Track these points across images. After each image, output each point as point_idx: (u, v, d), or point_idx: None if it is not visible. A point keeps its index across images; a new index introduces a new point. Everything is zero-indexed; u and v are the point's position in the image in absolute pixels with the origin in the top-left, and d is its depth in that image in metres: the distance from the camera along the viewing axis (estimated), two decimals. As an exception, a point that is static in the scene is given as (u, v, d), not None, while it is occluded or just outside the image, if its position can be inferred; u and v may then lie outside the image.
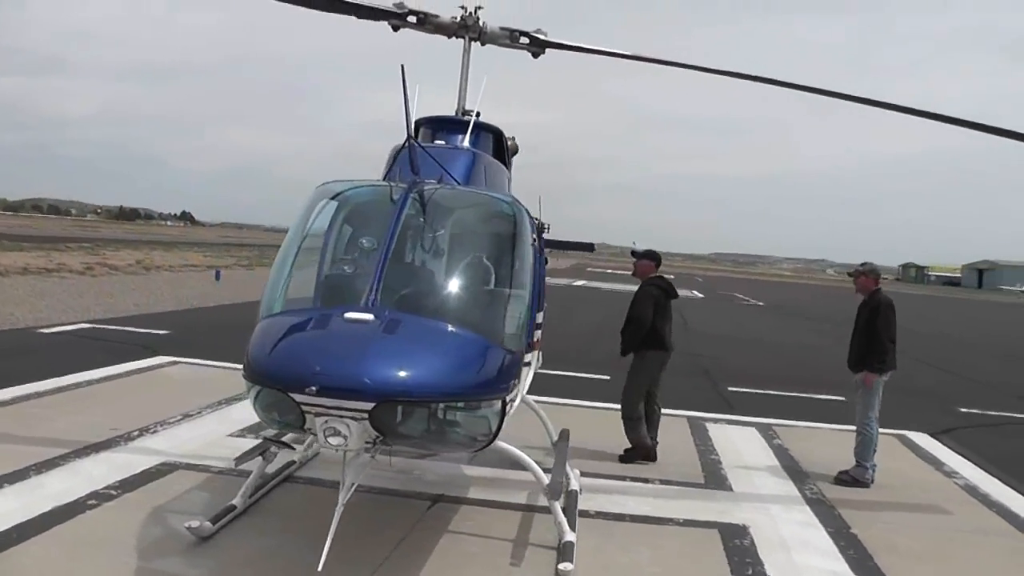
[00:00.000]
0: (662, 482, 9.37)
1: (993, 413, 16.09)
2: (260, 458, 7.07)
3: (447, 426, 5.51)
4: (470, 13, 8.13)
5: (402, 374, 5.12)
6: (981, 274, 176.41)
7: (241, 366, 5.56)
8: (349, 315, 5.39)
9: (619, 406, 10.28)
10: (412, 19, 8.08)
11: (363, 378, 5.04)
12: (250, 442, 9.52)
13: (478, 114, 8.27)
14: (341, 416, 5.10)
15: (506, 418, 5.82)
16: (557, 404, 12.16)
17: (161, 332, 18.02)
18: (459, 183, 6.84)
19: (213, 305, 25.33)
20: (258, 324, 5.78)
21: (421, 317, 5.63)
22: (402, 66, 5.93)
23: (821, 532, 8.03)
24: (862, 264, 10.45)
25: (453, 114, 8.26)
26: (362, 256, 6.12)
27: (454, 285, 6.09)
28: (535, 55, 8.35)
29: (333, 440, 5.17)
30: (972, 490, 10.11)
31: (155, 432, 9.66)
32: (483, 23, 8.15)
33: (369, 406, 5.07)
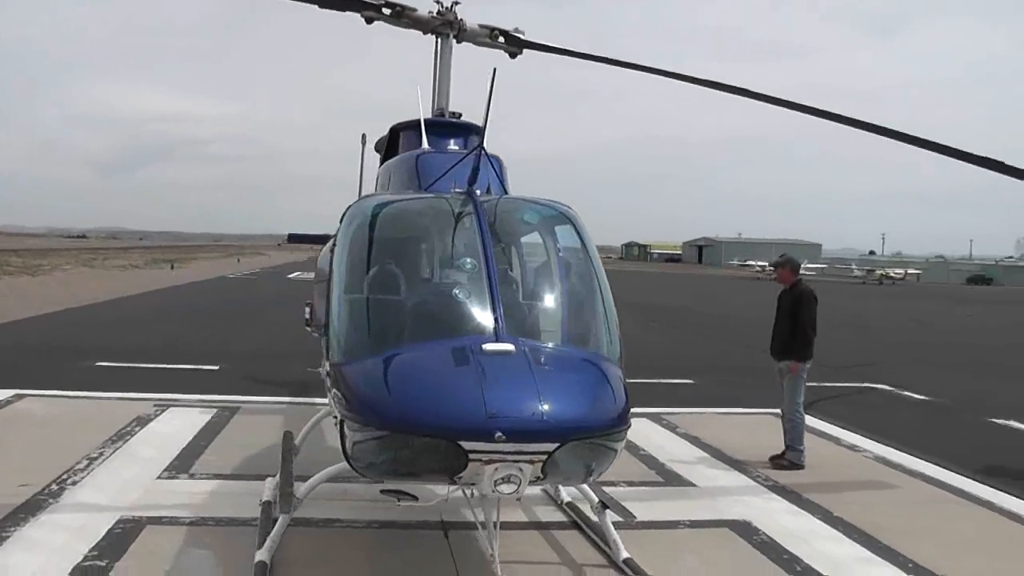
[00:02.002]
0: (626, 484, 9.31)
1: (827, 384, 17.37)
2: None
3: (598, 458, 5.15)
4: (448, 8, 7.65)
5: (579, 410, 4.85)
6: (701, 250, 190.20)
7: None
8: (488, 347, 4.90)
9: None
10: (387, 11, 7.50)
11: (548, 419, 4.66)
12: (184, 483, 8.66)
13: (460, 115, 7.81)
14: (516, 461, 4.65)
15: None
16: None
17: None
18: (505, 192, 6.42)
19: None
20: (364, 362, 5.09)
21: (557, 345, 5.24)
22: (494, 68, 5.44)
23: (813, 519, 8.32)
24: (781, 256, 10.96)
25: (435, 115, 7.75)
26: (457, 277, 5.56)
27: (565, 305, 5.70)
28: (512, 55, 8.00)
29: (505, 488, 4.75)
30: (886, 461, 10.91)
31: (75, 483, 8.37)
32: (462, 19, 7.69)
33: (552, 447, 4.67)
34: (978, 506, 9.11)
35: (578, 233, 6.05)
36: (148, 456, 9.55)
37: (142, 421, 11.23)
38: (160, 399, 12.67)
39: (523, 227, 6.15)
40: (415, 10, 7.56)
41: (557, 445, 4.73)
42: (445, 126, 7.47)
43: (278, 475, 8.03)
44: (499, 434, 4.52)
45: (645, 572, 6.47)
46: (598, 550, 7.16)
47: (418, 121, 7.65)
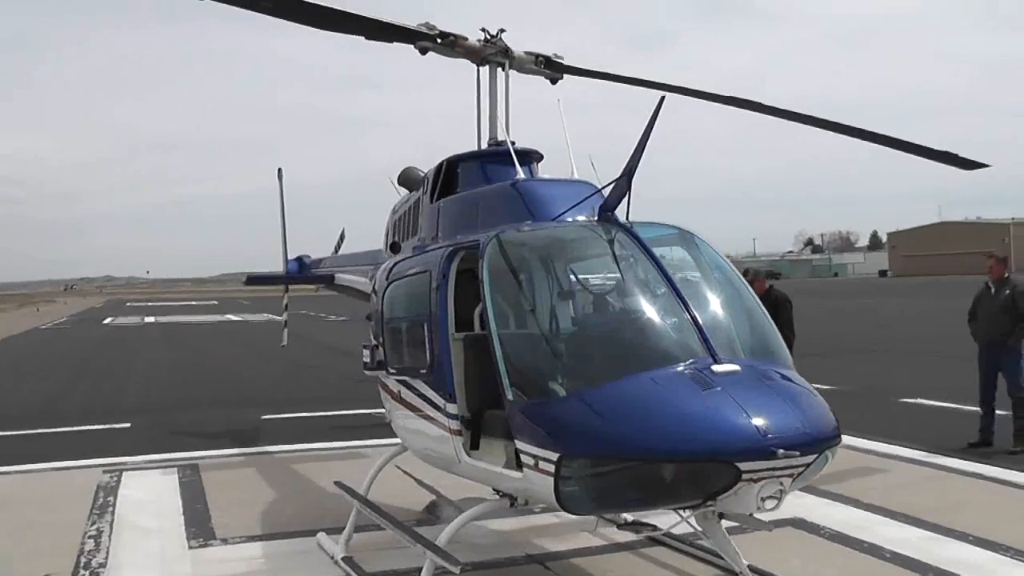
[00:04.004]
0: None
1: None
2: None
3: (822, 466, 5.28)
4: (495, 36, 7.55)
5: (824, 421, 5.05)
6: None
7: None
8: (718, 368, 4.94)
9: None
10: (439, 41, 7.37)
11: (810, 432, 4.82)
12: (224, 550, 8.10)
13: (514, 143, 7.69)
14: (779, 476, 4.74)
15: None
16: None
17: None
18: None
19: None
20: (591, 395, 4.99)
21: (762, 361, 5.32)
22: (662, 97, 5.44)
23: (852, 509, 8.73)
24: (746, 271, 11.46)
25: (485, 145, 7.64)
26: (648, 303, 5.51)
27: (747, 321, 5.74)
28: (553, 81, 7.99)
29: (769, 504, 4.81)
30: (855, 448, 11.51)
31: (104, 565, 7.55)
32: (510, 47, 7.62)
33: (811, 459, 4.82)
34: (971, 478, 9.95)
35: (714, 252, 6.16)
36: (154, 526, 8.82)
37: (107, 490, 10.32)
38: (106, 464, 11.69)
39: (673, 250, 6.11)
40: (466, 39, 7.43)
41: (815, 456, 4.86)
42: (521, 155, 7.30)
43: (346, 529, 7.64)
44: (781, 451, 4.58)
45: (771, 573, 6.63)
46: (700, 561, 7.23)
47: (479, 152, 7.50)
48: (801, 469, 4.86)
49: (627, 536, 7.96)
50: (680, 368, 5.02)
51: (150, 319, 60.45)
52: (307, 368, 23.63)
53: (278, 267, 14.35)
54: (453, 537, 6.10)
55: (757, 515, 5.08)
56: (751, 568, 6.81)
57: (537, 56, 7.78)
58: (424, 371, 6.50)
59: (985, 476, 10.05)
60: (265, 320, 55.65)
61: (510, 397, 5.39)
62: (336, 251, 14.16)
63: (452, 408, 6.16)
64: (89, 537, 8.41)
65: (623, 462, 4.81)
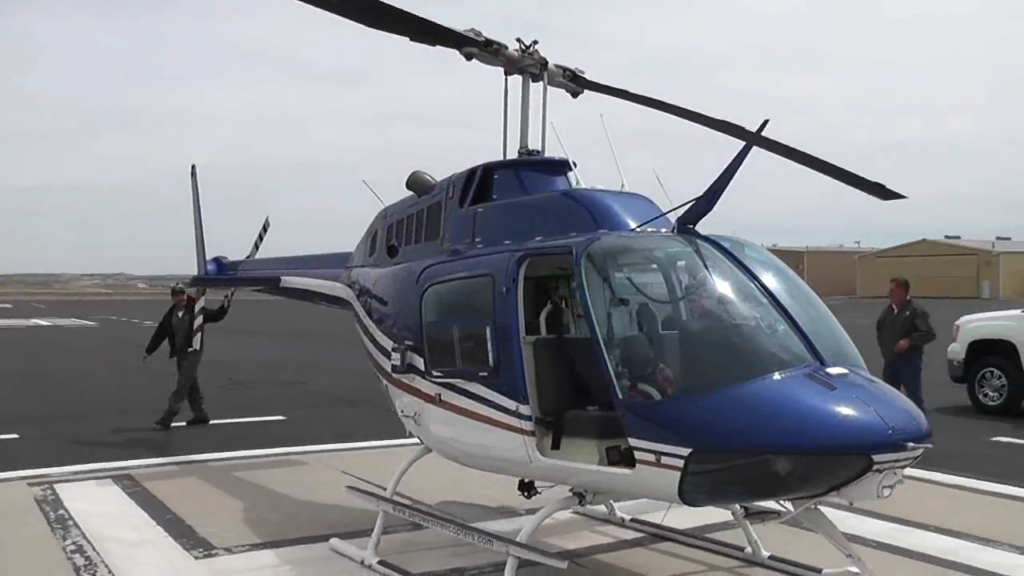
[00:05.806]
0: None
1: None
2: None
3: None
4: (528, 47, 7.74)
5: (924, 417, 5.54)
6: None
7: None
8: (831, 371, 5.41)
9: None
10: (485, 48, 7.51)
11: (924, 426, 5.34)
12: (234, 559, 7.88)
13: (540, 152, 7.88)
14: (898, 466, 5.25)
15: None
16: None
17: None
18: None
19: None
20: (717, 392, 5.38)
21: (857, 366, 5.77)
22: (766, 120, 5.81)
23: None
24: None
25: (522, 153, 7.79)
26: (751, 310, 5.87)
27: (831, 326, 6.12)
28: (574, 94, 8.23)
29: (887, 492, 5.28)
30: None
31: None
32: (545, 58, 7.82)
33: (923, 450, 5.28)
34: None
35: (779, 261, 6.58)
36: (136, 539, 8.41)
37: (51, 503, 9.60)
38: (28, 477, 10.85)
39: (755, 260, 6.32)
40: (507, 47, 7.55)
41: (926, 447, 5.34)
42: (559, 164, 7.48)
43: (374, 532, 7.55)
44: (911, 443, 5.09)
45: (796, 561, 7.10)
46: (711, 552, 7.71)
47: (521, 160, 7.63)
48: (913, 460, 5.38)
49: (631, 533, 8.35)
50: (798, 370, 5.45)
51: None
52: (165, 376, 22.28)
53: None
54: (534, 533, 6.24)
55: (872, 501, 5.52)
56: (772, 557, 7.30)
57: (564, 69, 8.01)
58: (485, 374, 6.58)
59: (911, 477, 11.01)
60: (76, 325, 52.60)
61: (621, 397, 5.64)
62: (257, 246, 13.70)
63: (525, 410, 6.30)
64: (73, 552, 7.89)
65: (760, 455, 5.18)
